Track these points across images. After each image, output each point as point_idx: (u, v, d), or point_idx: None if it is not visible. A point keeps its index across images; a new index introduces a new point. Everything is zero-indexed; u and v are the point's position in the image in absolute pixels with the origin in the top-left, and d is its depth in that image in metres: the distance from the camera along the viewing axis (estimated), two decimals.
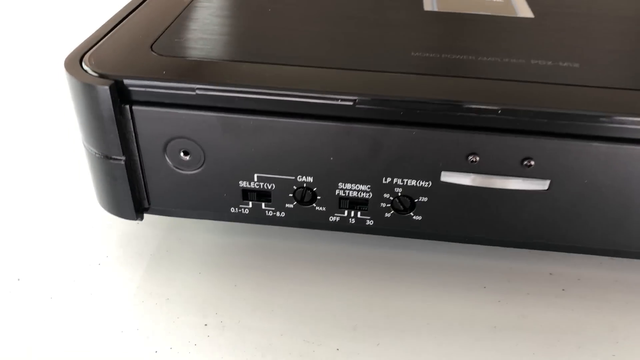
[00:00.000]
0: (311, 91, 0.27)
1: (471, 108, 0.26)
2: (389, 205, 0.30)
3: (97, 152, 0.29)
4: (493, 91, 0.27)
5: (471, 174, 0.28)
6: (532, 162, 0.27)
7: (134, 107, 0.28)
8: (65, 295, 0.32)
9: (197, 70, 0.28)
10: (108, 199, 0.31)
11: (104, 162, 0.30)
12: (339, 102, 0.27)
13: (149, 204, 0.32)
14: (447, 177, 0.28)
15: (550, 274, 0.34)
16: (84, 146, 0.30)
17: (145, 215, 0.33)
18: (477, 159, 0.27)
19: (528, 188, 0.28)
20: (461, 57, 0.30)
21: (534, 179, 0.28)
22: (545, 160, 0.27)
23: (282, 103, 0.27)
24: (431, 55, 0.30)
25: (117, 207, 0.31)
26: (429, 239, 0.31)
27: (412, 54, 0.30)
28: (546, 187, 0.28)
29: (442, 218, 0.30)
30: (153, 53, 0.29)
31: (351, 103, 0.26)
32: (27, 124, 0.49)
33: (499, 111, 0.26)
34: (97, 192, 0.32)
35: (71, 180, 0.42)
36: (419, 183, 0.29)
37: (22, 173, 0.43)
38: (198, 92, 0.27)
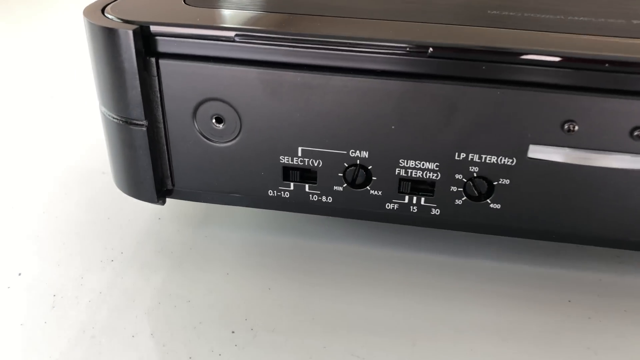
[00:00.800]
0: (374, 40, 0.22)
1: (571, 59, 0.21)
2: (461, 189, 0.24)
3: (114, 115, 0.25)
4: (596, 44, 0.22)
5: (566, 149, 0.23)
6: None
7: (160, 61, 0.24)
8: (69, 294, 0.27)
9: (237, 19, 0.24)
10: (125, 176, 0.27)
11: (122, 128, 0.25)
12: (408, 51, 0.22)
13: (173, 184, 0.27)
14: (536, 152, 0.23)
15: None
16: (101, 112, 0.26)
17: (168, 207, 0.28)
18: (575, 128, 0.22)
19: (637, 167, 0.23)
20: (549, 16, 0.25)
21: None
22: None
23: (337, 55, 0.22)
24: (513, 14, 0.25)
25: (135, 186, 0.27)
26: (507, 234, 0.26)
27: (489, 12, 0.25)
28: None
29: (527, 207, 0.24)
30: (186, 5, 0.25)
31: (424, 52, 0.22)
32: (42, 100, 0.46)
33: (606, 64, 0.21)
34: (113, 170, 0.28)
35: (88, 162, 0.38)
36: (500, 160, 0.23)
37: (33, 153, 0.39)
38: (237, 40, 0.23)
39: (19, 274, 0.29)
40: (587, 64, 0.21)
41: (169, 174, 0.27)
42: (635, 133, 0.22)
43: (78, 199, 0.35)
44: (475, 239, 0.30)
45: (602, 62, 0.21)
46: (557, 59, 0.21)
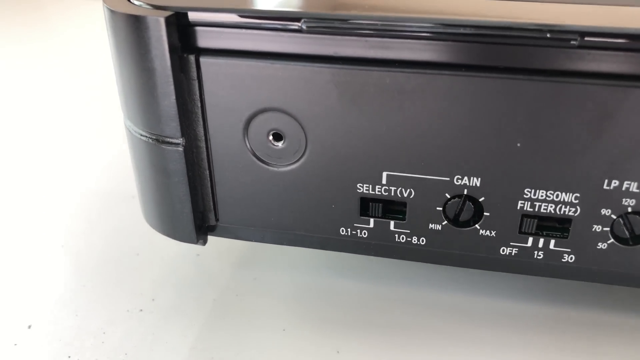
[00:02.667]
0: (498, 24, 0.16)
1: None
2: (607, 229, 0.18)
3: (142, 132, 0.19)
4: None
5: None
6: None
7: (202, 59, 0.18)
8: (88, 356, 0.22)
9: (303, 1, 0.18)
10: (157, 209, 0.21)
11: (153, 148, 0.19)
12: (549, 38, 0.15)
13: (217, 218, 0.21)
14: None
15: None
16: (125, 127, 0.20)
17: (211, 240, 0.22)
18: None
19: None
20: None
21: None
22: None
23: (445, 47, 0.16)
24: None
25: (169, 222, 0.21)
26: None
27: None
28: None
29: None
30: None
31: (573, 42, 0.15)
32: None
33: None
34: (141, 201, 0.22)
35: (114, 184, 0.32)
36: None
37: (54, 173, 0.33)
38: (306, 28, 0.17)
39: (29, 327, 0.23)
40: None
41: (212, 207, 0.21)
42: None
43: (102, 230, 0.29)
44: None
45: None
46: None
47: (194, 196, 0.20)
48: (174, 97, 0.18)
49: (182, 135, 0.19)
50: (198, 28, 0.18)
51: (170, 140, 0.19)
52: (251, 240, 0.22)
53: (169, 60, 0.17)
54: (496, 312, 0.23)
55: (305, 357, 0.22)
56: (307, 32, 0.17)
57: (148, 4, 0.18)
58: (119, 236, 0.28)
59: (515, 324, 0.22)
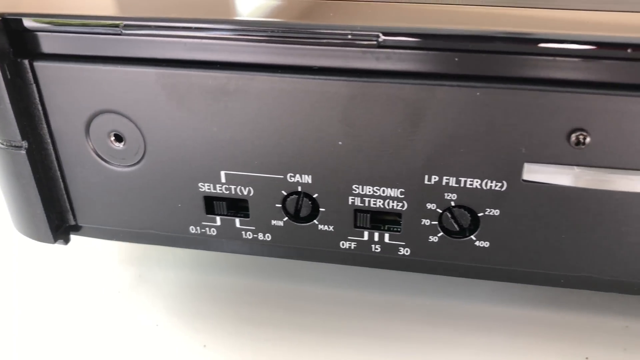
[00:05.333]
0: (307, 26, 0.16)
1: (578, 42, 0.15)
2: (436, 222, 0.18)
3: None
4: (616, 22, 0.16)
5: (575, 168, 0.17)
6: None
7: (36, 63, 0.18)
8: None
9: (128, 5, 0.18)
10: (16, 212, 0.21)
11: (2, 152, 0.20)
12: (352, 40, 0.16)
13: (75, 219, 0.21)
14: (534, 172, 0.17)
15: None
16: None
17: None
18: (587, 139, 0.16)
19: None
20: None
21: None
22: None
23: (260, 48, 0.17)
24: None
25: (27, 224, 0.21)
26: (499, 279, 0.20)
27: None
28: None
29: (523, 245, 0.18)
30: None
31: (374, 41, 0.16)
32: None
33: (629, 49, 0.15)
34: (7, 206, 0.22)
35: None
36: (486, 184, 0.17)
37: None
38: (125, 32, 0.17)
39: None
40: (607, 50, 0.15)
41: (69, 207, 0.21)
42: None
43: None
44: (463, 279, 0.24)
45: (624, 47, 0.15)
46: (562, 45, 0.15)
47: (47, 197, 0.20)
48: (8, 101, 0.18)
49: (24, 138, 0.19)
50: (32, 33, 0.18)
51: (14, 143, 0.19)
52: (113, 240, 0.22)
53: None
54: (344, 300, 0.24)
55: (172, 351, 0.22)
56: (127, 35, 0.17)
57: None
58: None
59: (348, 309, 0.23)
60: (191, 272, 0.26)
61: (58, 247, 0.23)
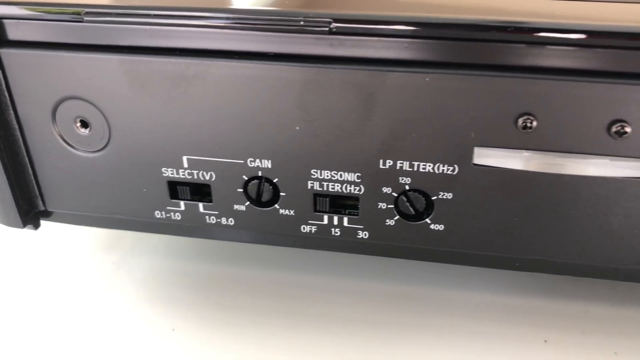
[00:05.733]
0: (258, 12, 0.17)
1: (522, 29, 0.15)
2: (392, 206, 0.19)
3: None
4: (560, 8, 0.16)
5: (523, 152, 0.17)
6: (628, 128, 0.16)
7: (1, 51, 0.18)
8: None
9: None
10: None
11: None
12: (304, 27, 0.16)
13: (45, 205, 0.22)
14: (484, 156, 0.17)
15: None
16: None
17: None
18: (534, 123, 0.16)
19: (619, 174, 0.17)
20: None
21: (630, 159, 0.17)
22: None
23: (214, 34, 0.17)
24: None
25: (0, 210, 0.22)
26: (455, 262, 0.20)
27: None
28: None
29: (478, 228, 0.19)
30: None
31: (325, 27, 0.16)
32: None
33: (573, 33, 0.15)
34: None
35: None
36: (438, 168, 0.18)
37: None
38: (87, 19, 0.17)
39: None
40: (551, 36, 0.16)
41: (38, 193, 0.21)
42: (614, 129, 0.16)
43: None
44: (423, 263, 0.24)
45: (559, 32, 0.15)
46: (506, 32, 0.16)
47: (15, 183, 0.21)
48: None
49: None
50: None
51: None
52: (82, 225, 0.22)
53: None
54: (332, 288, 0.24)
55: (142, 335, 0.23)
56: (88, 22, 0.17)
57: None
58: None
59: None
60: (164, 258, 0.26)
61: (35, 233, 0.23)
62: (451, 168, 0.18)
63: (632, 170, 0.17)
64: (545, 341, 0.22)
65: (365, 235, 0.20)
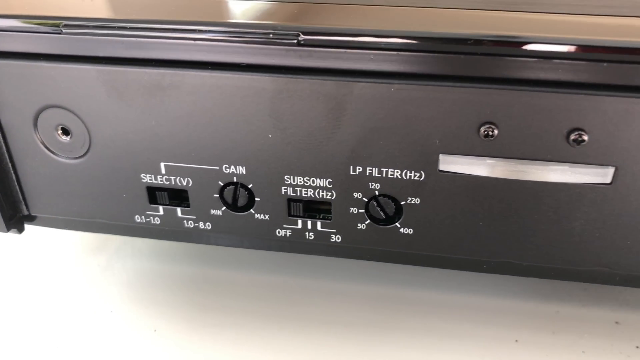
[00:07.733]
0: (232, 25, 0.17)
1: (484, 42, 0.16)
2: (363, 210, 0.19)
3: None
4: (521, 21, 0.17)
5: (486, 159, 0.18)
6: (585, 137, 0.17)
7: None
8: None
9: (69, 5, 0.19)
10: None
11: None
12: (273, 39, 0.17)
13: (28, 209, 0.22)
14: (449, 163, 0.18)
15: (617, 322, 0.23)
16: None
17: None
18: (495, 132, 0.17)
19: (579, 180, 0.18)
20: None
21: (588, 166, 0.17)
22: (607, 134, 0.17)
23: (189, 46, 0.18)
24: None
25: None
26: (425, 265, 0.21)
27: None
28: (609, 180, 0.17)
29: (446, 232, 0.19)
30: None
31: (294, 40, 0.17)
32: None
33: (523, 46, 0.16)
34: None
35: None
36: (405, 175, 0.18)
37: None
38: (65, 30, 0.18)
39: None
40: (506, 48, 0.16)
41: (21, 198, 0.22)
42: (572, 137, 0.17)
43: None
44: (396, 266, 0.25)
45: (518, 44, 0.16)
46: (466, 45, 0.16)
47: (0, 188, 0.21)
48: None
49: None
50: None
51: None
52: (66, 229, 0.23)
53: None
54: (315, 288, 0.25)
55: (124, 335, 0.23)
56: (67, 34, 0.18)
57: None
58: None
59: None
60: (148, 261, 0.27)
61: (22, 236, 0.24)
62: (418, 174, 0.18)
63: (590, 176, 0.17)
64: (516, 341, 0.22)
65: (338, 238, 0.20)
